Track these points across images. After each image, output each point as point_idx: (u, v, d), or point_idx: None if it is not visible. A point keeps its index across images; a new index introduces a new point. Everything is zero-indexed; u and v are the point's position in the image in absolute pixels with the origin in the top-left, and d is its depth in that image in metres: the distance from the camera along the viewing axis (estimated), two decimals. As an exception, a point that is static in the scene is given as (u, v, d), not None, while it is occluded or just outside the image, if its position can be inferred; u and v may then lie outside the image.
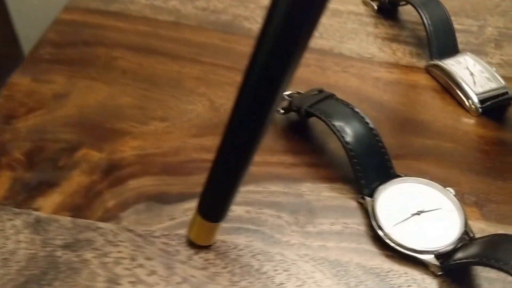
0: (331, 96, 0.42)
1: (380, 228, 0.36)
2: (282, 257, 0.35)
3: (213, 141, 0.41)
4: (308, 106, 0.41)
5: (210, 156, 0.41)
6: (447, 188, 0.38)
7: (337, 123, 0.39)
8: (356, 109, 0.40)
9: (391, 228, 0.36)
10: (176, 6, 0.54)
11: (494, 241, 0.33)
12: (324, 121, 0.39)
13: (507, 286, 0.34)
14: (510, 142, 0.44)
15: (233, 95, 0.45)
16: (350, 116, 0.40)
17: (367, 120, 0.39)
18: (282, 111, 0.43)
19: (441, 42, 0.49)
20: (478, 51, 0.52)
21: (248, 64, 0.26)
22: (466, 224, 0.36)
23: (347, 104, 0.41)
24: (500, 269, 0.31)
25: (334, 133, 0.39)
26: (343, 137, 0.38)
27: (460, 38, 0.52)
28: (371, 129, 0.39)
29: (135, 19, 0.52)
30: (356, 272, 0.35)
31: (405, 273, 0.35)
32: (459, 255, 0.34)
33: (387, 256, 0.36)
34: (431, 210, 0.37)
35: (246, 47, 0.50)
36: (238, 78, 0.47)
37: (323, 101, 0.41)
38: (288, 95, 0.45)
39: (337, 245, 0.36)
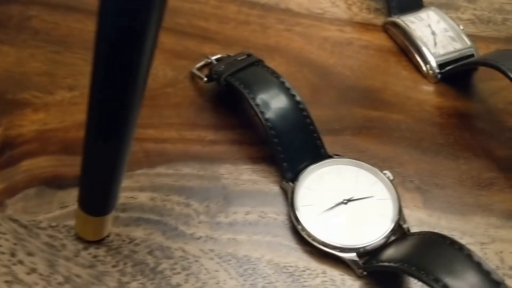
0: (257, 63, 0.36)
1: (297, 220, 0.31)
2: (183, 253, 0.31)
3: (126, 114, 0.36)
4: (228, 75, 0.35)
5: (120, 132, 0.36)
6: (384, 172, 0.33)
7: (258, 96, 0.34)
8: (282, 79, 0.34)
9: (310, 219, 0.31)
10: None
11: (425, 242, 0.29)
12: (242, 93, 0.34)
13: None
14: (470, 114, 0.38)
15: (156, 59, 0.40)
16: (274, 88, 0.34)
17: (293, 92, 0.34)
18: (205, 78, 0.38)
19: (401, -6, 0.43)
20: (448, 5, 0.45)
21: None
22: (399, 216, 0.31)
23: (272, 73, 0.35)
24: (420, 279, 0.26)
25: (253, 107, 0.33)
26: (262, 112, 0.33)
27: (429, -11, 0.45)
28: (298, 102, 0.34)
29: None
30: (266, 271, 0.30)
31: (323, 273, 0.30)
32: (385, 255, 0.30)
33: (305, 252, 0.31)
34: (360, 199, 0.32)
35: (179, 2, 0.44)
36: (164, 39, 0.42)
37: (247, 68, 0.35)
38: (216, 59, 0.39)
39: (249, 239, 0.32)
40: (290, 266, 0.31)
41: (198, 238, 0.31)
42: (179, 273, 0.30)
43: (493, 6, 0.45)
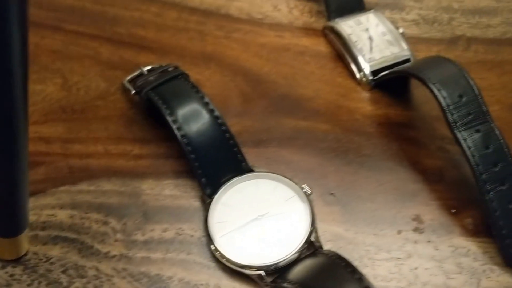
0: (180, 76, 0.36)
1: (209, 237, 0.31)
2: (96, 272, 0.31)
3: (55, 129, 0.37)
4: (150, 89, 0.35)
5: (49, 147, 0.37)
6: (302, 186, 0.33)
7: (176, 112, 0.34)
8: (201, 94, 0.34)
9: (223, 236, 0.31)
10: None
11: (326, 264, 0.28)
12: (160, 109, 0.34)
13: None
14: (401, 122, 0.38)
15: (90, 71, 0.41)
16: (193, 103, 0.34)
17: (212, 107, 0.34)
18: (133, 91, 0.38)
19: (341, -3, 0.42)
20: (394, 5, 0.44)
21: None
22: (310, 233, 0.31)
23: (193, 87, 0.35)
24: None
25: (169, 124, 0.33)
26: (178, 128, 0.33)
27: (376, -12, 0.44)
28: (216, 117, 0.34)
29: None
30: (177, 290, 0.31)
31: (233, 291, 0.31)
32: (291, 274, 0.29)
33: (217, 269, 0.31)
34: (275, 215, 0.32)
35: (120, 10, 0.44)
36: (101, 49, 0.42)
37: (169, 82, 0.35)
38: (148, 70, 0.39)
39: (163, 257, 0.32)
40: (201, 284, 0.31)
41: (113, 257, 0.32)
42: (90, 292, 0.31)
43: (440, 5, 0.44)
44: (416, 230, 0.33)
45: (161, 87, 0.35)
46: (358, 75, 0.39)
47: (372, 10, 0.42)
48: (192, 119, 0.33)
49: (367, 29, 0.40)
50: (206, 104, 0.34)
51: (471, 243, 0.32)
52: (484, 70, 0.40)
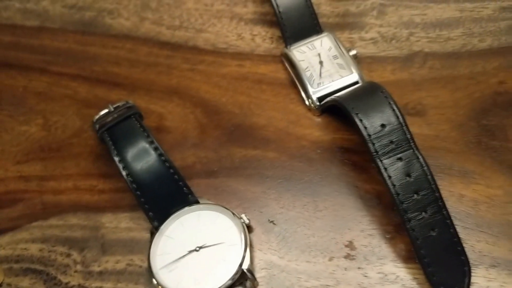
0: (133, 115, 0.39)
1: (150, 269, 0.34)
2: (57, 301, 0.35)
3: (34, 167, 0.41)
4: (104, 130, 0.38)
5: (27, 185, 0.41)
6: (240, 216, 0.35)
7: (123, 152, 0.37)
8: (147, 133, 0.37)
9: (163, 268, 0.34)
10: (46, 7, 0.52)
11: None
12: (109, 149, 0.37)
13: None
14: (346, 147, 0.38)
15: (69, 110, 0.44)
16: (140, 142, 0.37)
17: (156, 145, 0.37)
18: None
19: (295, 23, 0.43)
20: (353, 25, 0.44)
21: None
22: (242, 263, 0.33)
23: (141, 127, 0.38)
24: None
25: (116, 164, 0.36)
26: (124, 167, 0.36)
27: (339, 8, 0.45)
28: (161, 155, 0.36)
29: (2, 29, 0.51)
30: (123, 317, 0.34)
31: (171, 319, 0.33)
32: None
33: (160, 298, 0.34)
34: (212, 245, 0.34)
35: (99, 49, 0.48)
36: (80, 88, 0.46)
37: (121, 122, 0.38)
38: (115, 107, 0.42)
39: (114, 287, 0.35)
40: (144, 312, 0.34)
41: (71, 287, 0.36)
42: (50, 319, 0.35)
43: (402, 20, 0.44)
44: (347, 257, 0.34)
45: (115, 127, 0.38)
46: (307, 102, 0.40)
47: (326, 33, 0.42)
48: (137, 158, 0.36)
49: (318, 54, 0.41)
50: (151, 143, 0.37)
51: (401, 269, 0.33)
52: (437, 87, 0.40)
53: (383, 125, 0.33)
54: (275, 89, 0.42)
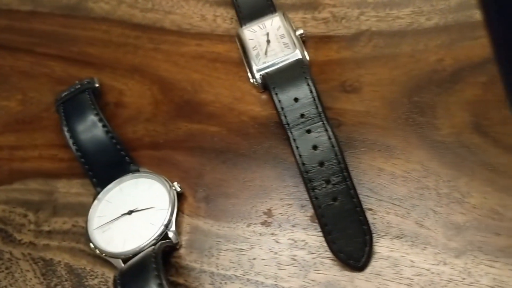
0: (85, 91, 0.42)
1: (86, 229, 0.37)
2: (10, 255, 0.39)
3: (8, 138, 0.46)
4: (60, 103, 0.42)
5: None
6: (173, 183, 0.38)
7: (71, 124, 0.40)
8: (94, 106, 0.40)
9: (98, 228, 0.37)
10: (40, -8, 0.56)
11: (141, 260, 0.33)
12: (60, 121, 0.40)
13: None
14: (279, 122, 0.40)
15: (45, 87, 0.48)
16: (86, 116, 0.40)
17: (101, 117, 0.40)
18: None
19: (250, 3, 0.44)
20: (308, 5, 0.45)
21: None
22: (167, 226, 0.36)
23: (90, 100, 0.41)
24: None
25: (64, 133, 0.40)
26: (71, 137, 0.39)
27: (297, -13, 0.46)
28: (105, 126, 0.39)
29: (1, 13, 0.56)
30: (61, 272, 0.37)
31: (102, 275, 0.37)
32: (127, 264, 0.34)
33: (94, 257, 0.37)
34: (142, 209, 0.37)
35: (80, 31, 0.51)
36: (57, 67, 0.49)
37: (76, 96, 0.42)
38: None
39: (58, 244, 0.39)
40: (80, 268, 0.37)
41: (23, 244, 0.39)
42: (2, 271, 0.38)
43: (355, 0, 0.44)
44: (264, 223, 0.36)
45: (67, 101, 0.41)
46: (251, 79, 0.42)
47: (277, 13, 0.44)
48: (83, 128, 0.40)
49: (267, 33, 0.43)
50: (97, 115, 0.40)
51: (310, 236, 0.34)
52: (377, 65, 0.40)
53: (296, 99, 0.34)
54: (227, 67, 0.44)
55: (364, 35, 0.42)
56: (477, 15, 0.40)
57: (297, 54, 0.41)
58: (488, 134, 0.35)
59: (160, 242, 0.35)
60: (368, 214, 0.34)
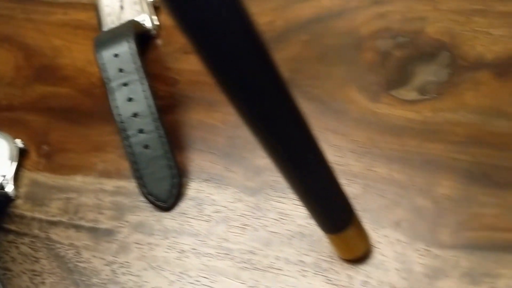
0: None
1: None
2: None
3: None
4: None
5: None
6: (15, 140, 0.40)
7: None
8: None
9: None
10: None
11: None
12: None
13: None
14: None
15: None
16: None
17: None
18: None
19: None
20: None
21: None
22: (4, 177, 0.38)
23: None
24: None
25: None
26: None
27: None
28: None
29: None
30: None
31: None
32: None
33: None
34: (-17, 165, 0.40)
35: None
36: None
37: None
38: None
39: None
40: None
41: None
42: None
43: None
44: (96, 175, 0.38)
45: None
46: (103, 43, 0.44)
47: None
48: None
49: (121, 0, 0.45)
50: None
51: (131, 183, 0.37)
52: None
53: (116, 55, 0.37)
54: (87, 33, 0.46)
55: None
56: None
57: (143, 18, 0.43)
58: (300, 87, 0.38)
59: (-3, 193, 0.38)
60: (183, 160, 0.36)
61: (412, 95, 0.36)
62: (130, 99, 0.36)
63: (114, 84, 0.36)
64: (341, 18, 0.41)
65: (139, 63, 0.36)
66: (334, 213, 0.27)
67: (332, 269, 0.31)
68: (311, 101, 0.37)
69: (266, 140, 0.22)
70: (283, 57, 0.40)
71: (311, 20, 0.41)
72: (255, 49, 0.18)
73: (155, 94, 0.37)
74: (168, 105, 0.39)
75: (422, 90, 0.36)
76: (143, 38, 0.43)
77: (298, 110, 0.21)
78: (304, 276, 0.31)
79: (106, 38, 0.38)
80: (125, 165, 0.38)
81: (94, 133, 0.40)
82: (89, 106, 0.42)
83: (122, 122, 0.35)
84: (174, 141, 0.37)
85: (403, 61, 0.37)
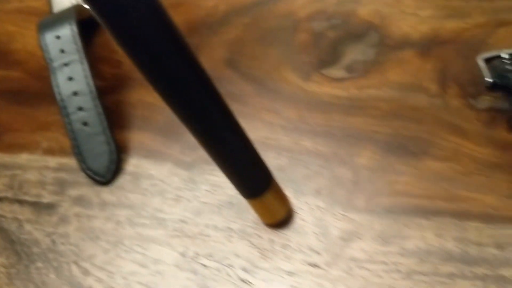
0: None
1: None
2: None
3: None
4: None
5: None
6: (-34, 121, 0.41)
7: None
8: None
9: None
10: None
11: None
12: None
13: None
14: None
15: None
16: None
17: None
18: None
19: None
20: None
21: None
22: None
23: None
24: None
25: None
26: None
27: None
28: None
29: None
30: None
31: None
32: None
33: None
34: None
35: None
36: None
37: None
38: None
39: None
40: None
41: None
42: None
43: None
44: (40, 152, 0.40)
45: None
46: (53, 28, 0.46)
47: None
48: None
49: (71, -14, 0.47)
50: None
51: (73, 160, 0.38)
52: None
53: (58, 37, 0.38)
54: (40, 19, 0.48)
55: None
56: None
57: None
58: (240, 68, 0.40)
59: None
60: (123, 138, 0.38)
61: (340, 73, 0.37)
62: (70, 78, 0.37)
63: (55, 64, 0.38)
64: (282, 1, 0.43)
65: (80, 44, 0.38)
66: (251, 179, 0.29)
67: (256, 234, 0.32)
68: (250, 82, 0.39)
69: (181, 113, 0.23)
70: (225, 40, 0.41)
71: (253, 3, 0.43)
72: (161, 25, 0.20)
73: (99, 75, 0.39)
74: (111, 86, 0.41)
75: (349, 69, 0.37)
76: (91, 23, 0.44)
77: (209, 81, 0.23)
78: (230, 241, 0.32)
79: (49, 21, 0.39)
80: (68, 143, 0.39)
81: (40, 113, 0.42)
82: (37, 88, 0.43)
83: (62, 101, 0.37)
84: (115, 119, 0.39)
85: (334, 41, 0.39)
